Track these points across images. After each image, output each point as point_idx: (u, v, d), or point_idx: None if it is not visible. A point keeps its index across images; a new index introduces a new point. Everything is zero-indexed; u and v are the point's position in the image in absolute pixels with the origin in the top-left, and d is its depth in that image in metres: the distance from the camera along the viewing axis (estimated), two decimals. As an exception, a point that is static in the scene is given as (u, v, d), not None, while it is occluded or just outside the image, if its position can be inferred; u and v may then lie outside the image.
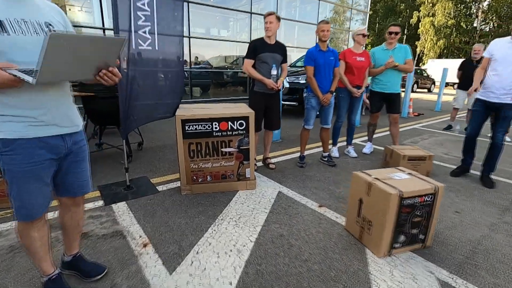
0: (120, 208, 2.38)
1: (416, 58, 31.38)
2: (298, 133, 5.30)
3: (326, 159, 3.61)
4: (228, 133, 2.59)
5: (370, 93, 3.82)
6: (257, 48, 3.00)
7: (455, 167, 3.51)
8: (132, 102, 2.54)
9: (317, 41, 3.22)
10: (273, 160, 3.58)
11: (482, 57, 3.55)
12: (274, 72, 3.01)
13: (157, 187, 2.80)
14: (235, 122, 2.58)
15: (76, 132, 1.39)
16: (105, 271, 1.63)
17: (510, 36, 2.80)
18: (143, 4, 2.47)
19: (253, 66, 3.06)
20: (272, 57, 3.03)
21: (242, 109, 2.76)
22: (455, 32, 28.33)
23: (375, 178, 1.93)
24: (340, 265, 1.77)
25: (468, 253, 1.92)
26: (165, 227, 2.12)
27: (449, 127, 6.02)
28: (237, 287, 1.57)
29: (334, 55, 3.22)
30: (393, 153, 3.36)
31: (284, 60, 3.18)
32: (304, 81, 6.58)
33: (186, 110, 2.62)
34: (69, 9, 8.70)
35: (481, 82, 3.06)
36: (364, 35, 3.53)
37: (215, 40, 11.34)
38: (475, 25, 29.23)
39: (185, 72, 10.17)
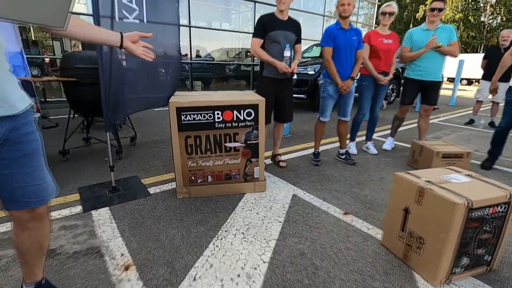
0: (102, 216, 1.94)
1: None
2: (307, 128, 4.87)
3: (343, 156, 3.16)
4: (234, 124, 2.14)
5: (405, 80, 3.33)
6: (266, 25, 2.53)
7: (499, 166, 3.07)
8: (116, 88, 2.10)
9: (338, 17, 2.75)
10: (283, 157, 3.13)
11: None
12: (287, 53, 2.55)
13: (148, 189, 2.36)
14: (242, 111, 2.13)
15: (14, 115, 0.95)
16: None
17: None
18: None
19: (262, 46, 2.60)
20: (285, 35, 2.56)
21: (250, 96, 2.31)
22: (463, 26, 27.60)
23: (427, 181, 1.47)
24: (385, 298, 1.33)
25: (548, 280, 1.47)
26: (154, 242, 1.68)
27: (471, 122, 5.54)
28: (248, 334, 1.13)
29: (358, 35, 2.75)
30: (424, 149, 2.90)
31: (298, 40, 2.72)
32: (313, 72, 6.11)
33: (183, 97, 2.17)
34: None
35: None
36: (387, 14, 3.04)
37: (216, 30, 10.84)
38: (482, 19, 28.48)
39: (186, 65, 9.71)
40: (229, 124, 2.13)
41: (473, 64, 18.57)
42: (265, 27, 2.53)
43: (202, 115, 2.07)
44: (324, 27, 11.91)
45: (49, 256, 1.52)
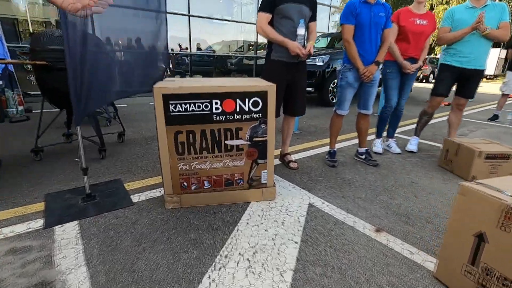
0: (66, 234, 1.51)
1: (429, 48, 29.93)
2: (317, 124, 4.40)
3: (363, 156, 2.71)
4: (236, 117, 1.70)
5: (440, 67, 2.84)
6: (276, -3, 2.08)
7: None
8: (89, 72, 1.66)
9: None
10: (293, 157, 2.69)
11: None
12: (301, 31, 2.10)
13: (132, 197, 1.93)
14: (247, 100, 1.68)
15: None
16: None
17: None
18: None
19: (271, 23, 2.15)
20: (298, 10, 2.11)
21: (257, 82, 1.86)
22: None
23: (515, 197, 1.03)
24: None
25: None
26: (129, 274, 1.25)
27: (495, 117, 5.06)
28: None
29: (386, 11, 2.28)
30: (461, 149, 2.44)
31: (314, 16, 2.26)
32: (321, 63, 5.64)
33: (172, 82, 1.73)
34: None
35: None
36: None
37: (217, 20, 10.32)
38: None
39: (186, 58, 9.26)
40: (231, 117, 1.69)
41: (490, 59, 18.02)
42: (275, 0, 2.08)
43: (197, 104, 1.62)
44: (330, 19, 11.39)
45: (-21, 298, 1.10)
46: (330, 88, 5.76)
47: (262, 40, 10.05)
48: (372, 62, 2.34)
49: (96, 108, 1.97)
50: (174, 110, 1.61)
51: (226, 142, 1.73)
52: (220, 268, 1.29)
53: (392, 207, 1.91)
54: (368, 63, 2.34)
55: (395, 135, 3.19)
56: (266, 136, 1.78)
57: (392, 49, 2.64)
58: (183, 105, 1.61)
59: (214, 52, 10.80)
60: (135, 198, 1.91)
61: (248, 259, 1.36)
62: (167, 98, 1.58)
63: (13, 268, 1.26)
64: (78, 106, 1.65)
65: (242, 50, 11.80)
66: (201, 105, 1.63)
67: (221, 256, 1.37)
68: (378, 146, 2.99)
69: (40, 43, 2.29)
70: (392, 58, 2.71)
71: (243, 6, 12.57)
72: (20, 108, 4.22)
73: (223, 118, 1.68)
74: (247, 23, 9.83)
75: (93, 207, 1.77)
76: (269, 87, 1.70)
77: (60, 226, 1.57)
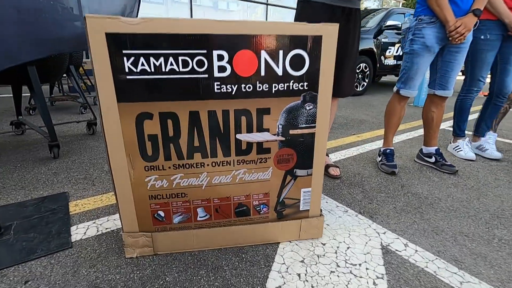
0: None
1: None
2: (346, 113, 3.44)
3: (433, 159, 1.86)
4: (260, 87, 0.86)
5: None
6: None
7: None
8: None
9: None
10: (332, 158, 1.86)
11: None
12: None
13: (75, 228, 1.12)
14: (282, 52, 0.84)
15: None
16: None
17: None
18: None
19: None
20: None
21: (297, 23, 1.01)
22: None
23: None
24: None
25: None
26: None
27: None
28: None
29: None
30: None
31: None
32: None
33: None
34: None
35: None
36: None
37: (223, 10, 9.42)
38: None
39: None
40: (249, 87, 0.86)
41: None
42: None
43: (180, 59, 0.79)
44: None
45: None
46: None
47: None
48: (468, 11, 1.48)
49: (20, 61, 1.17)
50: (134, 69, 0.78)
51: (238, 136, 0.90)
52: None
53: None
54: (462, 13, 1.47)
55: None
56: (315, 127, 0.94)
57: (495, 1, 1.73)
58: (151, 59, 0.77)
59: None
60: (79, 230, 1.11)
61: None
62: (118, 43, 0.75)
63: None
64: None
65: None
66: (189, 60, 0.80)
67: None
68: (466, 149, 2.09)
69: None
70: (493, 17, 1.80)
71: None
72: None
73: (235, 88, 0.85)
74: (255, 2, 8.87)
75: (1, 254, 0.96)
76: (327, 28, 0.86)
77: None
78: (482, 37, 1.87)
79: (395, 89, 1.75)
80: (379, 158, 1.86)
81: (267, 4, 8.34)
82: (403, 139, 2.50)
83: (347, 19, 1.42)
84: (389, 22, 5.04)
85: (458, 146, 2.15)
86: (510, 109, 2.28)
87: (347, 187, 1.57)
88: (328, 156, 1.80)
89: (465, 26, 1.45)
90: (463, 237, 1.16)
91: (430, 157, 1.88)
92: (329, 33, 0.86)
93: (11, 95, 2.09)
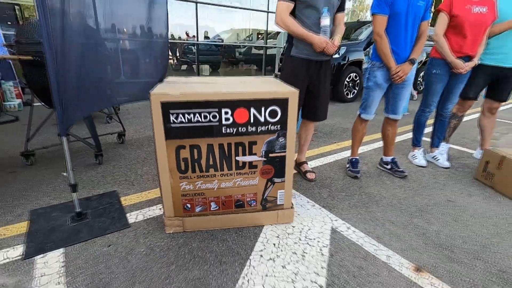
0: (48, 268, 1.28)
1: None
2: (333, 122, 4.05)
3: (389, 166, 2.41)
4: (250, 129, 1.42)
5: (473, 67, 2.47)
6: (299, -18, 1.75)
7: None
8: (76, 71, 1.39)
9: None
10: (310, 165, 2.41)
11: None
12: (325, 21, 1.78)
13: (129, 215, 1.69)
14: (264, 109, 1.39)
15: None
16: None
17: None
18: None
19: (292, 13, 1.83)
20: (325, -1, 1.78)
21: (275, 86, 1.56)
22: None
23: None
24: None
25: None
26: (117, 332, 1.01)
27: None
28: None
29: (425, 0, 1.93)
30: (506, 161, 2.12)
31: (341, 7, 1.93)
32: (337, 56, 5.25)
33: (173, 85, 1.45)
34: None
35: None
36: None
37: (225, 6, 9.86)
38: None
39: (193, 47, 8.90)
40: (243, 129, 1.41)
41: None
42: (297, -15, 1.75)
43: (203, 114, 1.34)
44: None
45: None
46: (346, 82, 5.40)
47: (272, 28, 9.62)
48: (406, 59, 2.01)
49: (85, 115, 1.71)
50: (176, 121, 1.33)
51: (237, 158, 1.46)
52: (229, 326, 1.04)
53: (430, 235, 1.62)
54: (401, 61, 2.01)
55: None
56: (285, 152, 1.50)
57: (441, 44, 2.24)
58: (186, 115, 1.33)
59: (222, 41, 10.39)
60: (131, 217, 1.67)
61: (263, 312, 1.10)
62: (167, 107, 1.30)
63: (-23, 319, 1.03)
64: (62, 113, 1.39)
65: (251, 38, 11.36)
66: (208, 115, 1.35)
67: (230, 305, 1.13)
68: (420, 158, 2.63)
69: (26, 34, 2.02)
70: (440, 56, 2.30)
71: (253, -9, 12.06)
72: (18, 101, 4.01)
73: (234, 130, 1.40)
74: (257, 10, 9.34)
75: (83, 230, 1.53)
76: (291, 93, 1.40)
77: (42, 256, 1.34)
78: (434, 71, 2.40)
79: (358, 112, 2.29)
80: (347, 165, 2.41)
81: (268, 12, 8.82)
82: (374, 147, 3.03)
83: (320, 67, 1.96)
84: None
85: (414, 154, 2.69)
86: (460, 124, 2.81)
87: (318, 188, 2.12)
88: (307, 163, 2.35)
89: (403, 72, 1.99)
90: (389, 223, 1.71)
91: (387, 165, 2.43)
92: (293, 95, 1.41)
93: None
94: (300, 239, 1.53)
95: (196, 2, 7.26)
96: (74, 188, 1.56)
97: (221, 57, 10.56)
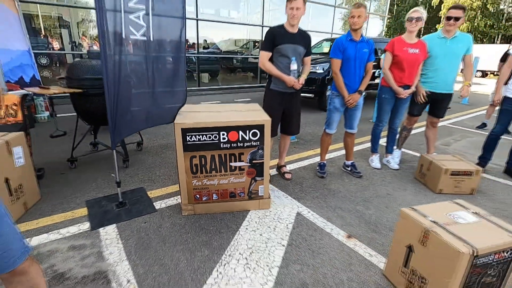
0: (109, 235, 1.99)
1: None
2: (314, 131, 4.82)
3: (349, 168, 3.13)
4: (239, 144, 2.14)
5: (416, 92, 3.20)
6: (275, 38, 2.47)
7: (504, 180, 3.05)
8: (124, 103, 2.10)
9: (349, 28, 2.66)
10: (288, 168, 3.13)
11: None
12: (293, 66, 2.50)
13: (154, 203, 2.39)
14: (248, 131, 2.12)
15: None
16: None
17: None
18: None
19: (271, 59, 2.55)
20: (293, 49, 2.50)
21: (256, 114, 2.28)
22: (480, 15, 26.40)
23: (432, 221, 1.46)
24: None
25: (551, 322, 1.46)
26: (160, 266, 1.72)
27: (483, 126, 5.40)
28: None
29: (369, 47, 2.66)
30: (432, 165, 2.85)
31: (308, 52, 2.65)
32: (322, 71, 6.00)
33: (188, 116, 2.17)
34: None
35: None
36: (414, 19, 2.80)
37: (224, 23, 10.61)
38: (502, 7, 27.13)
39: (193, 57, 9.60)
40: (235, 144, 2.13)
41: (489, 54, 17.85)
42: (274, 40, 2.47)
43: (208, 136, 2.06)
44: (335, 18, 11.59)
45: (58, 281, 1.58)
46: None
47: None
48: (356, 91, 2.73)
49: (128, 135, 2.38)
50: (190, 140, 2.05)
51: (231, 164, 2.18)
52: (225, 264, 1.76)
53: (365, 216, 2.34)
54: (352, 91, 2.73)
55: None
56: (263, 159, 2.21)
57: (387, 76, 2.97)
58: (197, 136, 2.05)
59: (221, 51, 11.11)
60: (157, 205, 2.38)
61: (246, 258, 1.82)
62: (185, 131, 2.02)
63: (75, 261, 1.74)
64: (115, 134, 2.10)
65: (247, 47, 12.09)
66: (211, 136, 2.07)
67: (225, 255, 1.84)
68: (376, 162, 3.35)
69: (75, 72, 2.73)
70: (387, 84, 3.04)
71: (250, 1, 12.79)
72: (47, 113, 4.71)
73: (229, 145, 2.12)
74: (253, 25, 10.07)
75: (125, 213, 2.24)
76: (266, 121, 2.13)
77: (102, 228, 2.05)
78: (383, 96, 3.14)
79: (324, 128, 3.01)
80: (317, 168, 3.13)
81: (262, 26, 9.54)
82: (341, 153, 3.75)
83: (291, 97, 2.67)
84: None
85: (372, 159, 3.41)
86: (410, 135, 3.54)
87: (292, 185, 2.84)
88: (286, 166, 3.07)
89: (353, 99, 2.71)
90: (339, 209, 2.43)
91: (348, 167, 3.15)
92: (267, 122, 2.13)
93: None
94: (274, 219, 2.25)
95: (197, 20, 7.98)
96: (119, 184, 2.27)
97: (219, 66, 11.25)
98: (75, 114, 3.01)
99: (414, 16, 2.81)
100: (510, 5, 27.16)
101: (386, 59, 2.99)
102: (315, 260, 1.83)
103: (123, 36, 1.99)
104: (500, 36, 27.06)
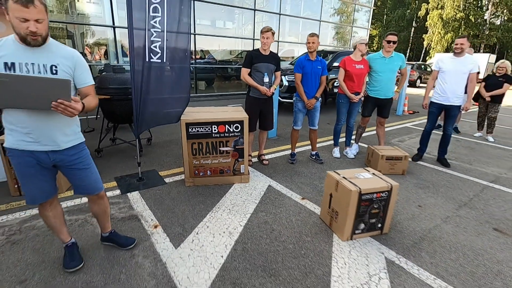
0: (134, 197, 2.85)
1: (423, 52, 31.14)
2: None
3: (314, 157, 4.04)
4: (226, 134, 3.03)
5: (365, 98, 4.12)
6: (253, 59, 3.39)
7: (433, 165, 3.98)
8: (143, 109, 2.98)
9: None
10: (267, 157, 4.02)
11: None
12: (266, 79, 3.42)
13: (164, 179, 3.27)
14: (232, 125, 3.01)
15: (60, 149, 1.65)
16: (135, 242, 2.14)
17: (452, 53, 3.75)
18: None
19: (250, 74, 3.46)
20: (266, 66, 3.42)
21: (238, 113, 3.19)
22: (464, 25, 27.90)
23: (342, 177, 2.36)
24: (310, 245, 2.23)
25: (417, 240, 2.35)
26: (171, 213, 2.59)
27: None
28: (226, 260, 2.04)
29: (322, 65, 3.60)
30: (374, 153, 3.77)
31: (277, 68, 3.57)
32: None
33: (190, 115, 3.06)
34: (78, 1, 9.06)
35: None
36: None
37: (219, 36, 11.59)
38: (485, 17, 28.67)
39: (191, 67, 10.52)
40: (223, 134, 3.02)
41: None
42: (252, 60, 3.39)
43: (204, 128, 2.96)
44: (320, 31, 12.65)
45: (107, 219, 2.44)
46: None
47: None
48: (313, 97, 3.66)
49: (146, 130, 3.26)
50: (191, 131, 2.94)
51: (220, 148, 3.07)
52: (215, 212, 2.63)
53: (318, 188, 3.23)
54: (310, 97, 3.65)
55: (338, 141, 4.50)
56: (243, 145, 3.11)
57: (342, 86, 3.90)
58: (196, 128, 2.94)
59: (216, 61, 12.06)
60: (166, 180, 3.25)
61: (229, 209, 2.69)
62: (188, 125, 2.91)
63: (114, 210, 2.61)
64: (137, 127, 2.98)
65: (242, 56, 13.06)
66: (206, 128, 2.96)
67: (215, 207, 2.71)
68: (336, 153, 4.27)
69: (102, 83, 3.62)
70: (343, 92, 3.96)
71: (244, 12, 13.84)
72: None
73: (218, 135, 3.01)
74: (247, 38, 11.05)
75: (144, 185, 3.11)
76: (245, 118, 3.03)
77: (129, 193, 2.92)
78: (340, 101, 4.07)
79: (292, 125, 3.92)
80: (289, 156, 4.03)
81: (254, 39, 10.52)
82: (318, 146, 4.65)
83: (265, 101, 3.58)
84: (335, 64, 7.27)
85: (334, 150, 4.33)
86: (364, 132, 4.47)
87: (268, 168, 3.73)
88: (265, 155, 3.96)
89: (311, 103, 3.63)
90: (300, 183, 3.32)
91: (313, 156, 4.06)
92: (245, 119, 3.03)
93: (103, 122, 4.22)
94: (251, 188, 3.13)
95: (195, 34, 8.93)
96: (139, 164, 3.15)
97: (215, 74, 12.19)
98: (94, 116, 3.89)
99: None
100: (492, 16, 28.74)
101: (340, 73, 3.93)
102: (276, 210, 2.71)
103: (146, 59, 2.89)
104: (483, 46, 28.52)
